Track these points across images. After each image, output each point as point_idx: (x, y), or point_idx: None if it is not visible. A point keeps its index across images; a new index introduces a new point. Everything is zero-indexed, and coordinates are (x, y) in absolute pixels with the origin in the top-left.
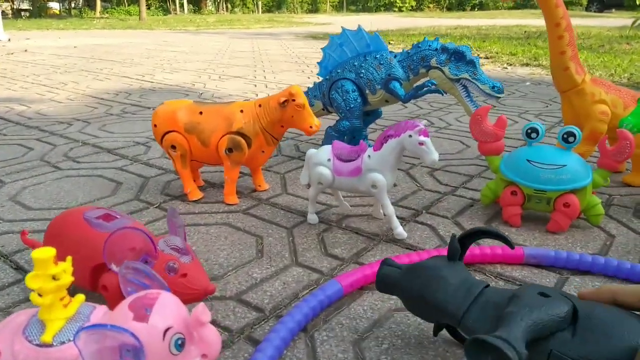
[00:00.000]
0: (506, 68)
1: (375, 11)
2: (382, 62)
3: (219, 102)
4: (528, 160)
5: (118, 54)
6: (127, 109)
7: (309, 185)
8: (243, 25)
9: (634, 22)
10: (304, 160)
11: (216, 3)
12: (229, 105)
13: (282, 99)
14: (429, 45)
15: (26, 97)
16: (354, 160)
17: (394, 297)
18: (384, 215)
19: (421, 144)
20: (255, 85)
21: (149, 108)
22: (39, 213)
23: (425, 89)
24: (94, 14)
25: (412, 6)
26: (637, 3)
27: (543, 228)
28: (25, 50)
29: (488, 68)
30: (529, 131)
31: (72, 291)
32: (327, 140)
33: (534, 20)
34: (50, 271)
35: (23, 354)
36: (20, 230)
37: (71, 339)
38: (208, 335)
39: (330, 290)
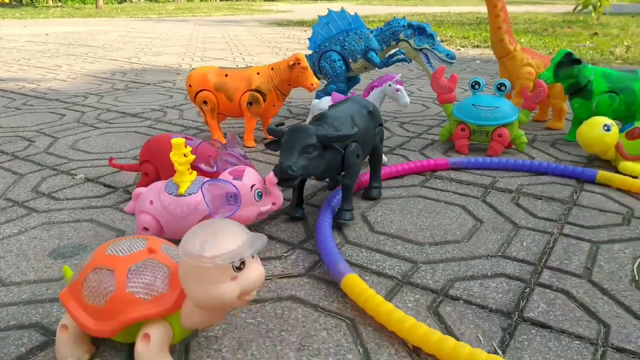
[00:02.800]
0: (459, 49)
1: None
2: (361, 37)
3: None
4: (473, 105)
5: (93, 40)
6: (129, 85)
7: None
8: (204, 12)
9: (575, 8)
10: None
11: None
12: (247, 69)
13: (291, 62)
14: (398, 23)
15: (30, 77)
16: None
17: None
18: None
19: (397, 90)
20: (237, 66)
21: (149, 84)
22: (99, 155)
23: (395, 57)
24: (47, 2)
25: None
26: None
27: (484, 154)
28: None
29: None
30: (473, 84)
31: None
32: None
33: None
34: (182, 151)
35: (167, 201)
36: (92, 165)
37: (195, 192)
38: (276, 191)
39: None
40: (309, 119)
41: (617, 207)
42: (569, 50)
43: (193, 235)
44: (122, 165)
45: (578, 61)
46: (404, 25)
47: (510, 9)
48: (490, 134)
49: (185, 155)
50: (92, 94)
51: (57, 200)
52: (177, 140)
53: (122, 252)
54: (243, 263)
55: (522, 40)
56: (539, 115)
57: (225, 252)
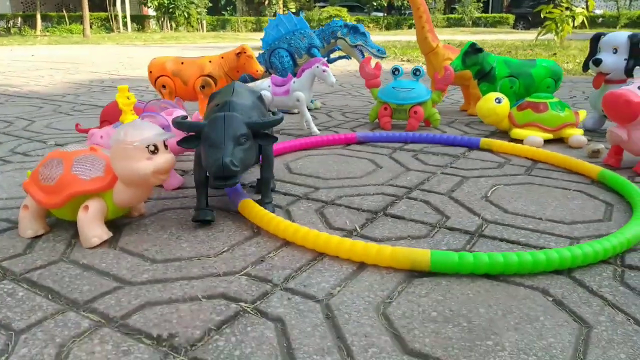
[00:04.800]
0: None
1: None
2: (305, 36)
3: None
4: (393, 88)
5: (76, 58)
6: (105, 89)
7: None
8: (189, 40)
9: (538, 34)
10: None
11: (160, 22)
12: (201, 58)
13: (237, 51)
14: (336, 23)
15: (13, 83)
16: (284, 85)
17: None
18: (305, 122)
19: (324, 71)
20: None
21: None
22: (69, 131)
23: (338, 57)
24: (35, 32)
25: None
26: (542, 16)
27: (404, 130)
28: None
29: (407, 67)
30: (394, 70)
31: None
32: None
33: (461, 36)
34: (126, 94)
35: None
36: (62, 137)
37: None
38: None
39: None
40: None
41: (498, 159)
42: (473, 41)
43: (120, 129)
44: (86, 129)
45: (480, 50)
46: (340, 25)
47: (483, 37)
48: (408, 111)
49: (128, 98)
50: (70, 94)
51: (29, 156)
52: (122, 86)
53: (70, 150)
54: (157, 149)
55: None
56: (464, 105)
57: (142, 138)
